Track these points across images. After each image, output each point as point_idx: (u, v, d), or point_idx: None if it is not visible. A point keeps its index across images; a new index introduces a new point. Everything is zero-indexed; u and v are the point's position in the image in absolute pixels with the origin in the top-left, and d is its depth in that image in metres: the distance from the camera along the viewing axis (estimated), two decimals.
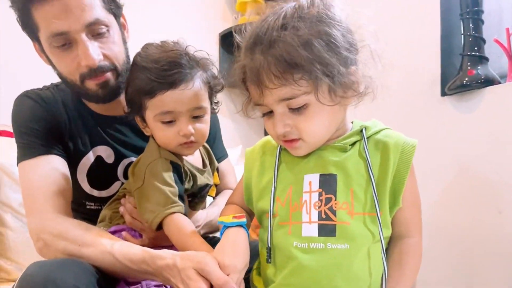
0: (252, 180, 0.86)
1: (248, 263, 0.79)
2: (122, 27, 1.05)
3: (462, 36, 1.47)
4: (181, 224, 0.87)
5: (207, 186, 1.02)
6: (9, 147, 1.02)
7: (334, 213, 0.74)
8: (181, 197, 0.90)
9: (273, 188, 0.80)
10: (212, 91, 0.97)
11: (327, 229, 0.74)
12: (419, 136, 1.55)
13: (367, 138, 0.78)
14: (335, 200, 0.75)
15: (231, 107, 2.12)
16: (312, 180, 0.77)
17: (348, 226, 0.73)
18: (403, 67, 1.64)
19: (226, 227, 0.81)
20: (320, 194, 0.76)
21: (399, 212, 0.78)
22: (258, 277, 0.83)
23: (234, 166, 1.36)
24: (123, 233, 0.96)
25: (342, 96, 0.73)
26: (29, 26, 0.95)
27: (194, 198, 1.02)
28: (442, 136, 1.53)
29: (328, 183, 0.76)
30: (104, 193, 1.09)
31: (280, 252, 0.77)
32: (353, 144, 0.79)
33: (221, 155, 1.24)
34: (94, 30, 0.94)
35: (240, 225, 0.82)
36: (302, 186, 0.77)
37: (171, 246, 0.98)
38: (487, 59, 1.45)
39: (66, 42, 0.93)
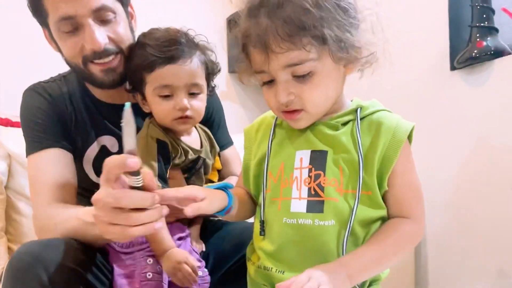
0: (251, 158, 0.87)
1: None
2: (130, 16, 1.06)
3: (470, 7, 1.43)
4: None
5: (199, 159, 1.04)
6: (21, 137, 1.05)
7: (322, 189, 0.74)
8: (160, 176, 0.93)
9: (265, 163, 0.81)
10: (209, 73, 1.01)
11: (315, 205, 0.74)
12: (430, 112, 1.56)
13: (363, 118, 0.78)
14: (324, 176, 0.75)
15: (241, 92, 2.12)
16: (303, 157, 0.77)
17: (336, 203, 0.73)
18: (410, 42, 1.61)
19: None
20: (310, 171, 0.76)
21: (391, 194, 0.76)
22: (252, 249, 0.84)
23: (241, 151, 1.37)
24: None
25: (346, 59, 0.72)
26: (39, 12, 0.98)
27: (188, 173, 1.03)
28: (454, 111, 1.50)
29: (318, 159, 0.76)
30: None
31: (272, 227, 0.78)
32: (347, 123, 0.78)
33: (226, 142, 1.25)
34: (101, 16, 0.95)
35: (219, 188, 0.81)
36: (294, 162, 0.78)
37: (185, 237, 1.00)
38: (497, 30, 1.41)
39: (73, 27, 0.95)
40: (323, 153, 0.76)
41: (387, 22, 0.75)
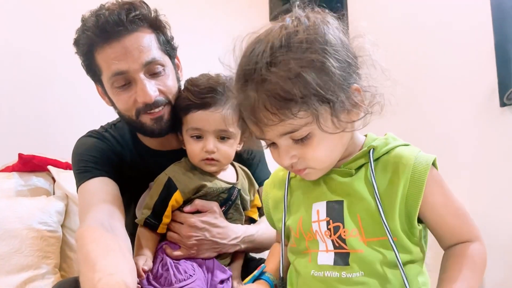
0: (271, 213, 0.88)
1: None
2: (177, 67, 1.12)
3: None
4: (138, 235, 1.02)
5: (233, 189, 1.07)
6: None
7: (344, 241, 0.72)
8: (155, 213, 1.01)
9: (283, 223, 0.81)
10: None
11: (341, 258, 0.72)
12: (482, 150, 1.50)
13: (377, 158, 0.74)
14: (343, 228, 0.72)
15: None
16: (319, 209, 0.75)
17: (362, 254, 0.71)
18: (458, 80, 1.59)
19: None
20: (328, 223, 0.74)
21: (442, 227, 0.72)
22: None
23: None
24: (164, 245, 1.03)
25: (346, 120, 0.69)
26: (93, 70, 1.05)
27: (225, 205, 1.06)
28: (505, 147, 1.44)
29: (334, 210, 0.74)
30: None
31: (301, 280, 0.77)
32: (361, 166, 0.75)
33: (265, 178, 1.26)
34: (151, 69, 1.02)
35: (257, 278, 0.83)
36: (311, 215, 0.76)
37: (211, 259, 1.02)
38: None
39: (126, 82, 1.01)
40: (339, 203, 0.74)
41: (382, 61, 0.71)
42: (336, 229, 0.73)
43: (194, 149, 1.03)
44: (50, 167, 1.64)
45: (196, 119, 1.01)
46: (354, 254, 0.71)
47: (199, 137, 1.02)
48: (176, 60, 1.13)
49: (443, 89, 1.64)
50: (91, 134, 1.14)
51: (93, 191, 1.03)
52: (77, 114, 1.85)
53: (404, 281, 0.68)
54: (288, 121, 0.67)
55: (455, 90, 1.61)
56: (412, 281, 0.72)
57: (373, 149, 0.75)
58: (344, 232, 0.72)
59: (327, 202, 0.75)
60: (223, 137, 1.03)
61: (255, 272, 0.85)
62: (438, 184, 0.72)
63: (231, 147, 1.05)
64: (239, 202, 1.09)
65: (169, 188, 1.02)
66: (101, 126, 1.18)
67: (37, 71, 1.81)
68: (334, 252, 0.73)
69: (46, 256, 1.42)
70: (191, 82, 1.05)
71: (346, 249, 0.72)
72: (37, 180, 1.63)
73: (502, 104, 1.45)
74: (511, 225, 1.43)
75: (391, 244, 0.69)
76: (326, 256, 0.73)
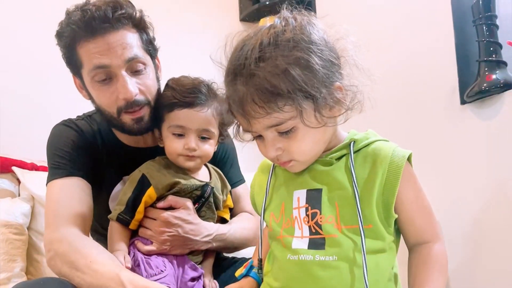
0: (255, 197, 0.91)
1: None
2: (157, 67, 1.14)
3: (477, 42, 1.45)
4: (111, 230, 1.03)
5: (207, 186, 1.08)
6: (45, 181, 1.08)
7: (320, 227, 0.75)
8: (128, 209, 1.02)
9: (263, 208, 0.84)
10: (223, 123, 1.08)
11: (317, 243, 0.75)
12: (442, 146, 1.56)
13: (358, 150, 0.79)
14: (320, 214, 0.76)
15: None
16: (300, 196, 0.79)
17: (336, 238, 0.74)
18: (419, 78, 1.64)
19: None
20: (306, 209, 0.78)
21: (409, 223, 0.77)
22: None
23: None
24: (135, 241, 1.03)
25: (328, 116, 0.74)
26: (73, 62, 1.05)
27: (198, 202, 1.07)
28: (466, 144, 1.50)
29: (313, 198, 0.78)
30: None
31: (277, 264, 0.79)
32: (341, 157, 0.79)
33: (237, 180, 1.29)
34: (133, 67, 1.03)
35: (245, 275, 0.88)
36: (292, 202, 0.80)
37: (182, 256, 1.03)
38: (505, 64, 1.42)
39: (106, 77, 1.01)
40: (318, 191, 0.78)
41: (363, 62, 0.76)
42: (314, 215, 0.76)
43: (175, 146, 1.04)
44: (14, 168, 1.60)
45: (180, 117, 1.03)
46: (329, 239, 0.74)
47: (180, 135, 1.04)
48: (156, 61, 1.14)
49: (405, 88, 1.69)
50: (68, 124, 1.13)
51: (66, 193, 1.02)
52: (42, 113, 1.81)
53: (363, 267, 0.72)
54: (274, 114, 0.71)
55: (417, 89, 1.66)
56: (384, 271, 0.76)
57: (354, 141, 0.79)
58: (321, 218, 0.76)
59: (307, 190, 0.79)
60: (203, 136, 1.05)
61: (243, 270, 0.88)
62: (411, 179, 0.77)
63: (211, 146, 1.07)
64: (212, 200, 1.10)
65: (143, 184, 1.03)
66: (78, 116, 1.18)
67: None
68: (309, 238, 0.76)
69: (12, 259, 1.39)
70: (175, 81, 1.08)
71: (321, 234, 0.75)
72: (2, 182, 1.59)
73: (463, 102, 1.50)
74: (470, 221, 1.48)
75: (360, 231, 0.73)
76: (300, 242, 0.76)
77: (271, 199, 0.84)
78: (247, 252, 1.27)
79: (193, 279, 1.03)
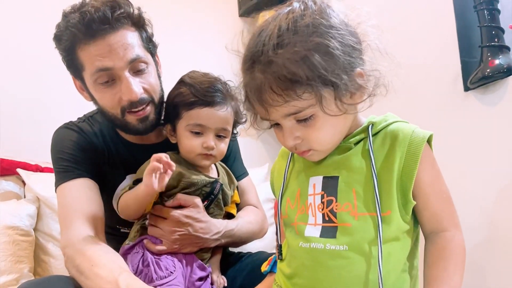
0: (274, 181, 0.90)
1: None
2: (157, 64, 1.13)
3: (479, 28, 1.43)
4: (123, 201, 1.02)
5: (216, 183, 1.07)
6: (51, 182, 1.09)
7: (334, 215, 0.74)
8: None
9: (280, 193, 0.82)
10: (236, 121, 1.08)
11: (328, 231, 0.74)
12: (447, 133, 1.54)
13: (376, 133, 0.76)
14: (336, 202, 0.74)
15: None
16: (316, 183, 0.78)
17: (349, 227, 0.72)
18: (422, 67, 1.63)
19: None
20: (322, 197, 0.76)
21: (425, 208, 0.74)
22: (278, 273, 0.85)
23: (261, 183, 1.39)
24: (144, 240, 1.02)
25: (349, 103, 0.71)
26: (74, 66, 1.04)
27: (207, 199, 1.07)
28: (470, 131, 1.49)
29: (330, 185, 0.76)
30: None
31: (290, 251, 0.79)
32: (359, 142, 0.77)
33: (241, 173, 1.29)
34: (135, 67, 1.02)
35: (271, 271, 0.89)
36: (308, 188, 0.78)
37: (191, 254, 1.02)
38: (508, 48, 1.40)
39: (109, 79, 1.01)
40: (334, 179, 0.76)
41: (386, 47, 0.73)
42: (329, 202, 0.75)
43: (192, 144, 1.03)
44: (19, 170, 1.60)
45: (201, 116, 1.02)
46: (341, 227, 0.73)
47: (198, 133, 1.03)
48: (156, 58, 1.14)
49: (408, 76, 1.67)
50: (69, 126, 1.13)
51: (74, 195, 1.03)
52: (46, 115, 1.81)
53: (378, 257, 0.70)
54: (293, 102, 0.69)
55: (419, 77, 1.64)
56: (396, 261, 0.73)
57: (372, 124, 0.77)
58: (336, 206, 0.74)
59: (323, 177, 0.77)
60: (220, 135, 1.05)
61: (267, 267, 0.89)
62: (430, 162, 0.75)
63: (226, 145, 1.07)
64: (221, 197, 1.10)
65: None
66: (78, 118, 1.18)
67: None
68: (322, 226, 0.74)
69: (20, 260, 1.40)
70: (192, 78, 1.06)
71: (335, 222, 0.73)
72: (7, 184, 1.60)
73: (466, 89, 1.49)
74: (475, 209, 1.47)
75: (378, 219, 0.70)
76: (313, 229, 0.75)
77: (287, 185, 0.83)
78: (252, 247, 1.27)
79: (200, 279, 1.02)
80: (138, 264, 0.98)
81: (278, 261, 0.83)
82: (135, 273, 0.95)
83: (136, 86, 1.01)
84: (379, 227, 0.70)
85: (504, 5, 1.43)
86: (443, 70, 1.56)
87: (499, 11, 1.42)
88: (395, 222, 0.72)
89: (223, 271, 1.12)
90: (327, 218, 0.74)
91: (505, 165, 1.39)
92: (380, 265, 0.69)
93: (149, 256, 0.99)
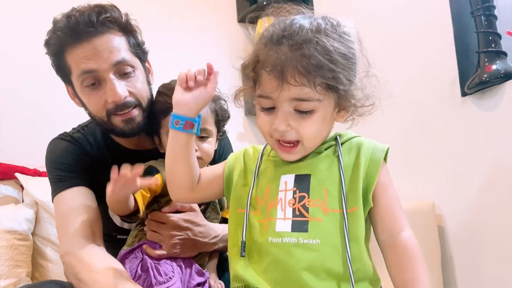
0: (233, 179, 0.88)
1: None
2: (147, 70, 1.13)
3: (476, 33, 1.44)
4: None
5: None
6: (49, 186, 1.09)
7: (307, 210, 0.77)
8: None
9: (251, 189, 0.83)
10: (219, 120, 1.08)
11: (300, 225, 0.76)
12: (445, 138, 1.55)
13: (342, 143, 0.83)
14: (308, 198, 0.77)
15: (258, 133, 2.16)
16: (287, 180, 0.80)
17: (320, 222, 0.75)
18: (420, 72, 1.64)
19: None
20: (294, 193, 0.79)
21: (380, 208, 0.79)
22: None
23: None
24: (144, 245, 1.02)
25: (344, 110, 0.79)
26: (62, 70, 1.05)
27: (204, 203, 1.08)
28: (468, 136, 1.49)
29: (302, 182, 0.79)
30: (134, 225, 1.13)
31: (256, 247, 0.79)
32: (328, 148, 0.83)
33: None
34: (121, 70, 1.02)
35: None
36: (279, 185, 0.81)
37: (189, 259, 1.02)
38: (505, 54, 1.41)
39: (95, 81, 1.01)
40: (307, 177, 0.80)
41: (374, 66, 0.78)
42: (301, 198, 0.78)
43: None
44: (18, 175, 1.61)
45: None
46: (313, 222, 0.76)
47: None
48: (147, 64, 1.14)
49: (405, 82, 1.68)
50: (63, 137, 1.13)
51: (70, 204, 1.03)
52: (45, 119, 1.82)
53: (347, 250, 0.74)
54: (307, 89, 0.73)
55: (417, 82, 1.65)
56: (367, 259, 0.77)
57: (339, 135, 0.85)
58: (309, 201, 0.77)
59: (295, 175, 0.80)
60: (202, 136, 1.05)
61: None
62: (387, 170, 0.82)
63: (211, 145, 1.07)
64: (217, 201, 1.10)
65: (150, 172, 1.02)
66: (73, 128, 1.18)
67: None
68: (292, 220, 0.77)
69: (17, 265, 1.40)
70: (166, 86, 1.07)
71: (306, 217, 0.76)
72: (5, 189, 1.60)
73: (463, 94, 1.50)
74: (471, 213, 1.47)
75: (344, 216, 0.76)
76: (283, 223, 0.77)
77: (257, 184, 0.84)
78: None
79: (198, 284, 1.02)
80: (137, 269, 0.98)
81: (241, 260, 0.81)
82: (133, 278, 0.95)
83: (121, 89, 1.01)
84: (345, 221, 0.75)
85: (501, 11, 1.44)
86: (440, 75, 1.57)
87: (496, 17, 1.43)
88: (361, 217, 0.77)
89: (220, 276, 1.12)
90: (297, 213, 0.77)
91: (502, 170, 1.39)
92: (349, 256, 0.73)
93: (149, 261, 0.98)
